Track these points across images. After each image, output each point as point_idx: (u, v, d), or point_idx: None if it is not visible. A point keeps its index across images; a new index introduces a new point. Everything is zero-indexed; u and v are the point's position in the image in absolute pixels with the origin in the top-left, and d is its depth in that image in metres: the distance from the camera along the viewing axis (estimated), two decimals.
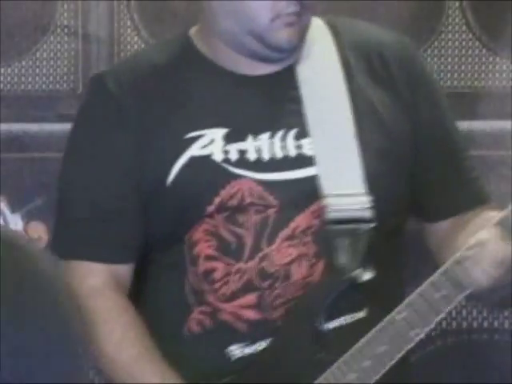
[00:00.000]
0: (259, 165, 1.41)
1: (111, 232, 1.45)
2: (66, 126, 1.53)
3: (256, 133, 1.40)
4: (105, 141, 1.43)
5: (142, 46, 1.92)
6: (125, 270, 1.46)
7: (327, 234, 1.37)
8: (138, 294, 1.49)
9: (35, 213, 1.89)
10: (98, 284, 1.43)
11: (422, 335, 1.33)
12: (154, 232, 1.44)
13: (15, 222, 1.90)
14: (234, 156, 1.41)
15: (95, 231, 1.45)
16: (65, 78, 1.93)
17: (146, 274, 1.50)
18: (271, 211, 1.40)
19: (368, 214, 1.36)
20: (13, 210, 1.88)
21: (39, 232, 1.92)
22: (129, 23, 1.93)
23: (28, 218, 1.90)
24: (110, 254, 1.45)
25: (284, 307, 1.38)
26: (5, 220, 1.91)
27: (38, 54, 1.91)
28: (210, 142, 1.40)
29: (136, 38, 1.94)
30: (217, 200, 1.39)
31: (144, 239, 1.45)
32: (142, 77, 1.45)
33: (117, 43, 1.96)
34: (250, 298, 1.39)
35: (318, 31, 1.47)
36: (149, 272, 1.50)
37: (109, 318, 1.45)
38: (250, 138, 1.40)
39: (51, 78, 1.92)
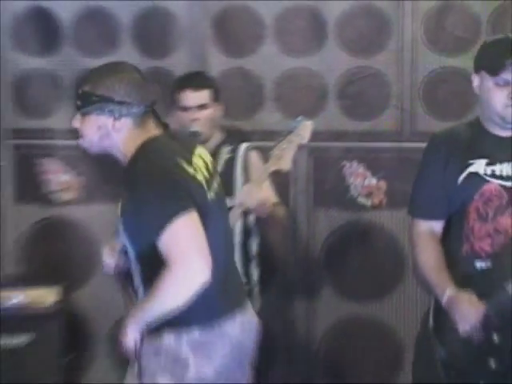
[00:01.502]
0: (501, 177, 2.77)
1: (438, 203, 2.85)
2: None
3: (501, 162, 2.75)
4: (433, 162, 2.88)
5: None
6: (437, 225, 2.87)
7: None
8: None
9: None
10: (423, 230, 2.88)
11: None
12: (450, 206, 2.83)
13: None
14: (488, 172, 2.78)
15: (426, 203, 2.89)
16: None
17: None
18: (504, 200, 2.73)
19: None
20: None
21: None
22: None
23: None
24: (431, 215, 2.88)
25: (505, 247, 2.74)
26: None
27: None
28: (479, 165, 2.79)
29: None
30: (479, 193, 2.76)
31: (446, 209, 2.85)
32: (454, 135, 2.91)
33: None
34: (487, 241, 2.74)
35: None
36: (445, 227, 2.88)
37: (426, 247, 2.86)
38: (497, 164, 2.75)
39: None
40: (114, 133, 2.50)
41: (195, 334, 2.52)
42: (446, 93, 3.95)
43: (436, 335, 2.88)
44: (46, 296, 4.20)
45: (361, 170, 4.10)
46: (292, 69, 4.07)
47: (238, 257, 3.53)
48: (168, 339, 2.51)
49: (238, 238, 3.58)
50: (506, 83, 2.71)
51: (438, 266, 2.88)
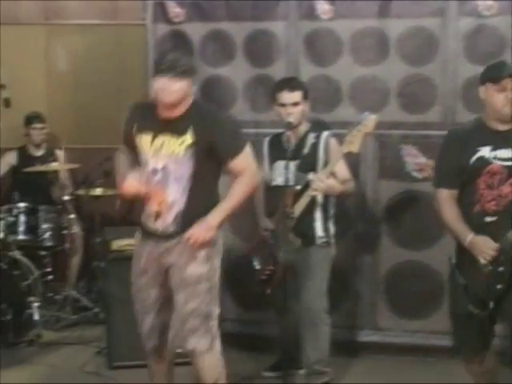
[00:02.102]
0: (501, 159, 3.46)
1: (453, 178, 3.55)
2: None
3: (500, 148, 3.46)
4: (450, 150, 3.63)
5: None
6: (453, 192, 3.56)
7: None
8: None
9: None
10: (446, 196, 3.59)
11: None
12: (462, 178, 3.55)
13: None
14: (492, 156, 3.48)
15: (446, 177, 3.61)
16: None
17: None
18: (504, 175, 3.43)
19: None
20: None
21: None
22: None
23: None
24: (450, 185, 3.57)
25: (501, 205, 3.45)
26: None
27: None
28: (485, 151, 3.48)
29: None
30: (486, 170, 3.47)
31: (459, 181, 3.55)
32: (465, 131, 3.65)
33: None
34: (493, 203, 3.47)
35: None
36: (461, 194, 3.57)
37: (448, 207, 3.57)
38: (498, 150, 3.46)
39: None
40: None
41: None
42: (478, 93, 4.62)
43: (458, 268, 3.59)
44: None
45: (414, 151, 4.81)
46: (362, 75, 4.83)
47: (319, 216, 4.31)
48: (217, 236, 3.49)
49: (319, 202, 4.28)
50: (504, 89, 3.48)
51: (458, 220, 3.57)
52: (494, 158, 3.52)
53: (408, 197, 4.92)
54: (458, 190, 3.63)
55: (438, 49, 4.79)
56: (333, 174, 4.13)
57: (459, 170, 3.60)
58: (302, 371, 4.47)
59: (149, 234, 3.52)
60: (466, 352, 3.78)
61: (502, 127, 3.55)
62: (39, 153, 6.44)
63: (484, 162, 3.55)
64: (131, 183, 3.45)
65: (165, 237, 3.48)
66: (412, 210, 4.91)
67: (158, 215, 3.47)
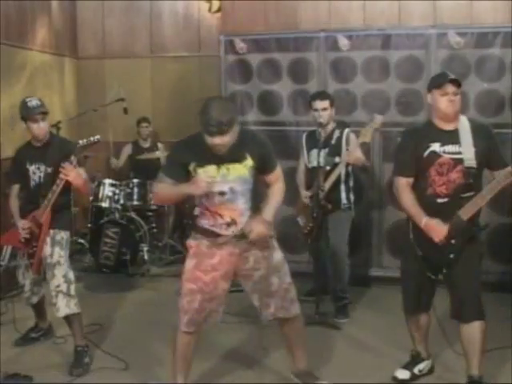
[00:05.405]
0: (449, 153, 3.75)
1: (410, 168, 3.86)
2: None
3: (448, 144, 3.76)
4: (406, 147, 3.92)
5: None
6: (410, 180, 3.84)
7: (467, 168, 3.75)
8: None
9: None
10: (403, 183, 3.84)
11: None
12: (416, 168, 3.81)
13: None
14: (441, 150, 3.75)
15: (403, 168, 3.90)
16: None
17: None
18: (451, 165, 3.74)
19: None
20: None
21: None
22: None
23: None
24: (407, 174, 3.86)
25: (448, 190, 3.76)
26: None
27: None
28: (435, 147, 3.76)
29: None
30: (437, 162, 3.75)
31: (414, 171, 3.83)
32: (418, 130, 3.95)
33: None
34: (444, 187, 3.73)
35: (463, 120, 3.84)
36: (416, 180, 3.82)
37: (405, 192, 3.84)
38: (445, 146, 3.76)
39: None
40: None
41: None
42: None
43: (415, 242, 3.87)
44: None
45: None
46: (371, 89, 6.06)
47: (343, 188, 5.26)
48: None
49: (343, 179, 5.24)
50: (446, 93, 3.79)
51: (414, 204, 3.83)
52: (443, 152, 3.84)
53: None
54: (412, 177, 3.89)
55: (424, 71, 5.88)
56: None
57: (414, 161, 3.87)
58: (328, 296, 5.43)
59: (220, 238, 3.74)
60: (412, 308, 4.10)
61: (447, 127, 3.87)
62: (146, 145, 7.94)
63: (435, 155, 3.83)
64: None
65: (240, 238, 3.71)
66: None
67: (231, 224, 3.71)
